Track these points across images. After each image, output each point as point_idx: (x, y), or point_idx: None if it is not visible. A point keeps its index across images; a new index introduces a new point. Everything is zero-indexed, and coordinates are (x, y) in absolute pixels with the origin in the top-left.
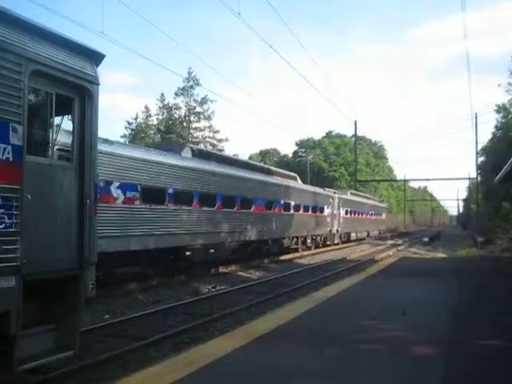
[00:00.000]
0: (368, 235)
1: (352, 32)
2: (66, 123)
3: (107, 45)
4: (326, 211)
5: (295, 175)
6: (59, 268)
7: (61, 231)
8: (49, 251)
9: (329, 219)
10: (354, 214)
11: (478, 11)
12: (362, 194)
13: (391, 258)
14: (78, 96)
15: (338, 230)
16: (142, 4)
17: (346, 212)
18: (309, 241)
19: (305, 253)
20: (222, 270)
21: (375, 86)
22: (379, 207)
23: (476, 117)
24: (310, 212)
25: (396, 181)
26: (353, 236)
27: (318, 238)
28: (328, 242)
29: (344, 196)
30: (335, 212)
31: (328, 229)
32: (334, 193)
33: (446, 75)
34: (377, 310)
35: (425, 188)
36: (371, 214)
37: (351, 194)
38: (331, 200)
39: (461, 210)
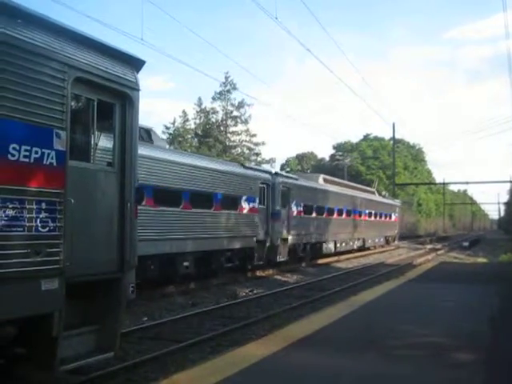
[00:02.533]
0: (364, 244)
1: (390, 34)
2: (107, 128)
3: (146, 50)
4: (246, 206)
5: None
6: (101, 271)
7: (102, 234)
8: (91, 254)
9: (257, 219)
10: (328, 214)
11: None
12: (351, 183)
13: (430, 262)
14: (118, 102)
15: (284, 240)
16: (179, 9)
17: (307, 209)
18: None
19: (342, 257)
20: (258, 273)
21: (413, 89)
22: (385, 205)
23: None
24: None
25: (435, 184)
26: (328, 247)
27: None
28: (259, 262)
29: (297, 182)
30: (278, 208)
31: (253, 238)
32: (272, 174)
33: (486, 76)
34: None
35: (465, 191)
36: (369, 215)
37: (327, 180)
38: (261, 187)
39: (502, 213)
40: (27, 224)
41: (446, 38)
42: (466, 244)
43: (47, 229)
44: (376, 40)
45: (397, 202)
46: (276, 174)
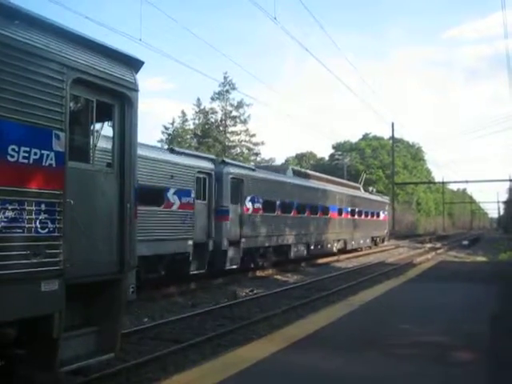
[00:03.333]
0: (345, 246)
1: (388, 34)
2: (106, 129)
3: (144, 51)
4: (176, 201)
5: None
6: (101, 272)
7: (102, 236)
8: (90, 255)
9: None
10: (298, 212)
11: None
12: (331, 177)
13: (430, 261)
14: (117, 102)
15: (235, 243)
16: (178, 10)
17: (269, 206)
18: None
19: (342, 256)
20: (259, 273)
21: (412, 88)
22: (371, 202)
23: None
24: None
25: (434, 183)
26: (297, 251)
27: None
28: (199, 271)
29: (254, 174)
30: (227, 205)
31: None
32: (218, 162)
33: (484, 75)
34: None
35: (464, 190)
36: (352, 213)
37: (297, 173)
38: (200, 177)
39: (501, 212)
40: (27, 225)
41: (444, 38)
42: (465, 243)
43: (47, 230)
44: (375, 40)
45: (385, 199)
46: (224, 162)
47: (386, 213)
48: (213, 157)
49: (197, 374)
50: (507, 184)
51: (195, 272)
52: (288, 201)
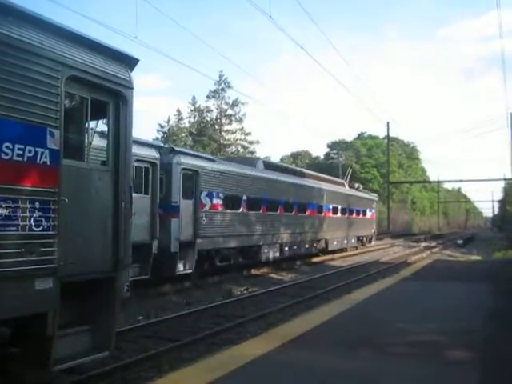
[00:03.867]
0: (326, 247)
1: (383, 31)
2: (101, 127)
3: (139, 48)
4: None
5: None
6: (95, 270)
7: (96, 234)
8: (85, 253)
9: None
10: (268, 209)
11: None
12: (310, 172)
13: (425, 260)
14: (112, 100)
15: (188, 243)
16: (173, 8)
17: (232, 202)
18: None
19: (336, 255)
20: (254, 272)
21: (407, 86)
22: (357, 199)
23: (511, 116)
24: None
25: (429, 182)
26: (268, 253)
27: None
28: (139, 276)
29: (212, 165)
30: (176, 200)
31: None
32: (167, 151)
33: (480, 74)
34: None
35: (459, 189)
36: (334, 211)
37: (269, 166)
38: (140, 167)
39: (496, 211)
40: (21, 223)
41: (439, 36)
42: (460, 242)
43: (41, 228)
44: (370, 38)
45: (373, 196)
46: (174, 151)
47: (373, 211)
48: (160, 144)
49: (191, 373)
50: (502, 183)
51: (134, 278)
52: (256, 197)
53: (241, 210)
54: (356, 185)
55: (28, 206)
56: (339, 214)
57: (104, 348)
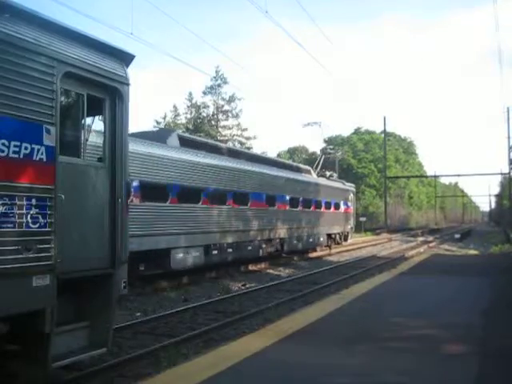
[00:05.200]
0: (282, 248)
1: (380, 28)
2: (97, 123)
3: (136, 44)
4: None
5: None
6: (92, 267)
7: (93, 230)
8: (82, 250)
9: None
10: (181, 199)
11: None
12: (257, 154)
13: (422, 254)
14: (108, 96)
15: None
16: (168, 3)
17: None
18: None
19: (333, 250)
20: (251, 267)
21: (404, 82)
22: (328, 190)
23: (508, 111)
24: None
25: (426, 177)
26: (185, 258)
27: None
28: None
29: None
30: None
31: None
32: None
33: (478, 68)
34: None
35: (456, 184)
36: (293, 203)
37: (186, 142)
38: None
39: (493, 205)
40: (17, 220)
41: (437, 30)
42: (457, 236)
43: (38, 225)
44: (367, 33)
45: (349, 187)
46: None
47: (349, 204)
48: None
49: (189, 369)
50: (499, 178)
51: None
52: (161, 183)
53: (132, 199)
54: (328, 173)
55: (24, 202)
56: (300, 207)
57: (102, 344)
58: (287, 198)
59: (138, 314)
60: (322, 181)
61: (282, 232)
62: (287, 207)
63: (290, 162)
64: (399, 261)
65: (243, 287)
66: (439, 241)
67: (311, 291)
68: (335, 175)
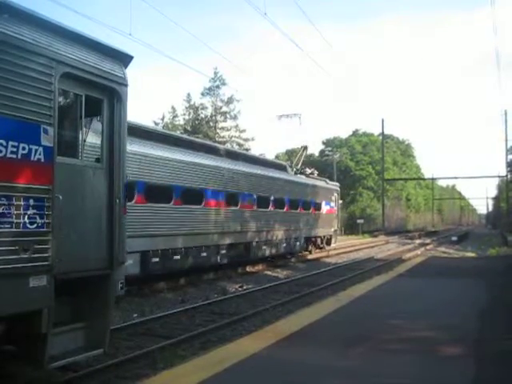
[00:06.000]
0: (247, 253)
1: (379, 29)
2: (95, 124)
3: (134, 45)
4: None
5: None
6: (90, 267)
7: (91, 231)
8: (80, 251)
9: None
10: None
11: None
12: (215, 144)
13: (419, 257)
14: (107, 97)
15: None
16: (167, 5)
17: None
18: None
19: (331, 252)
20: (249, 269)
21: (402, 84)
22: (307, 188)
23: (506, 114)
24: None
25: (424, 179)
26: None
27: None
28: None
29: None
30: None
31: None
32: None
33: (476, 71)
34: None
35: (453, 186)
36: (262, 203)
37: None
38: None
39: (490, 208)
40: (15, 220)
41: (436, 32)
42: (454, 238)
43: (35, 225)
44: (365, 34)
45: (332, 185)
46: None
47: (332, 204)
48: None
49: (186, 370)
50: (496, 180)
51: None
52: None
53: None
54: (308, 170)
55: (22, 203)
56: (271, 207)
57: (98, 345)
58: (254, 196)
59: (135, 314)
60: (300, 178)
61: (246, 235)
62: (254, 207)
63: (264, 157)
64: (396, 263)
65: (240, 289)
66: (436, 243)
67: (309, 293)
68: (316, 173)
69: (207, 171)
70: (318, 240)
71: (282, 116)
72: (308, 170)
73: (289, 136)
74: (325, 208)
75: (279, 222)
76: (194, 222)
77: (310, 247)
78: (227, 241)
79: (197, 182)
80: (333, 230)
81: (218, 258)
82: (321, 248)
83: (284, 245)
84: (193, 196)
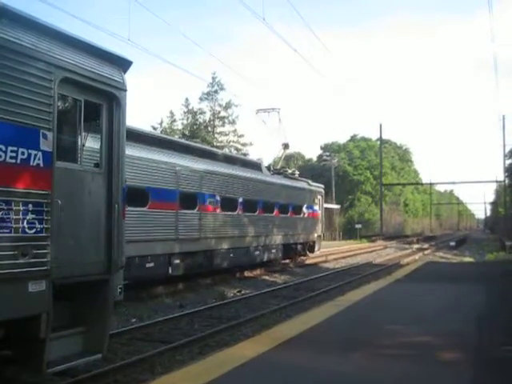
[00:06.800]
0: (210, 263)
1: (377, 34)
2: (94, 129)
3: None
4: None
5: None
6: (88, 272)
7: (90, 236)
8: (78, 255)
9: None
10: None
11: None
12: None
13: (417, 262)
14: (106, 102)
15: None
16: (166, 11)
17: None
18: None
19: (330, 257)
20: (247, 274)
21: (400, 89)
22: (285, 190)
23: (504, 119)
24: None
25: (422, 184)
26: None
27: None
28: None
29: None
30: None
31: None
32: None
33: (474, 76)
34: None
35: (451, 191)
36: (229, 205)
37: None
38: None
39: (488, 213)
40: (14, 225)
41: (433, 38)
42: (452, 243)
43: (34, 230)
44: (364, 39)
45: (315, 187)
46: None
47: (316, 207)
48: None
49: (185, 375)
50: (494, 185)
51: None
52: None
53: None
54: (289, 170)
55: (21, 208)
56: (239, 211)
57: (97, 350)
58: (217, 198)
59: (134, 319)
60: (277, 179)
61: (207, 243)
62: (217, 210)
63: (235, 154)
64: (395, 268)
65: (239, 293)
66: (434, 248)
67: (307, 298)
68: (297, 173)
69: (153, 167)
70: (299, 247)
71: (259, 110)
72: (288, 170)
73: (269, 133)
74: (306, 211)
75: (249, 227)
76: (137, 228)
77: (291, 254)
78: (181, 249)
79: (140, 179)
80: (316, 235)
81: (170, 269)
82: (302, 255)
83: (256, 253)
84: (135, 196)
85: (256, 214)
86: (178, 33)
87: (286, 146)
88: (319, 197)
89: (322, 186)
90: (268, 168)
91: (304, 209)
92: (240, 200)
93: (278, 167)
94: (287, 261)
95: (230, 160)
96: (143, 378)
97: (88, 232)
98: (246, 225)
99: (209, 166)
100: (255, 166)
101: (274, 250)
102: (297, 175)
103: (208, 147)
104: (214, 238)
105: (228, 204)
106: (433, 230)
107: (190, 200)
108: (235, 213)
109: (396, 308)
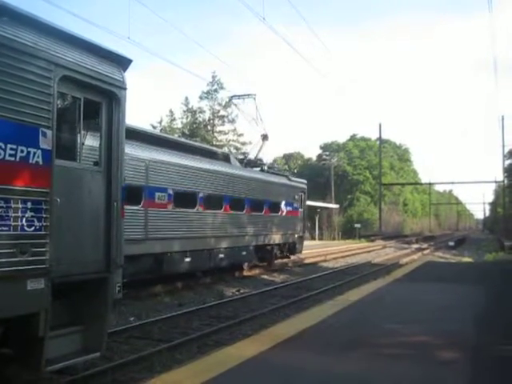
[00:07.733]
0: (159, 269)
1: (376, 34)
2: (93, 127)
3: (133, 48)
4: None
5: None
6: (87, 270)
7: (89, 234)
8: (77, 254)
9: None
10: None
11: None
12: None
13: (416, 262)
14: (105, 100)
15: None
16: (166, 10)
17: None
18: None
19: (329, 256)
20: (246, 273)
21: (400, 89)
22: (261, 185)
23: (503, 119)
24: None
25: (421, 184)
26: None
27: None
28: None
29: None
30: None
31: None
32: None
33: (473, 75)
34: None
35: (450, 191)
36: (189, 201)
37: None
38: None
39: (487, 213)
40: (13, 223)
41: (433, 38)
42: (451, 243)
43: (33, 228)
44: (363, 40)
45: (297, 183)
46: None
47: (296, 205)
48: None
49: (183, 374)
50: (493, 186)
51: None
52: None
53: None
54: (267, 162)
55: (20, 206)
56: (199, 207)
57: (95, 349)
58: (170, 192)
59: (132, 318)
60: (249, 172)
61: (156, 245)
62: (169, 206)
63: (197, 143)
64: (394, 267)
65: (238, 292)
66: (433, 248)
67: (306, 297)
68: (277, 166)
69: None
70: (276, 248)
71: (233, 97)
72: (265, 162)
73: (247, 122)
74: (285, 209)
75: (213, 227)
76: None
77: (269, 256)
78: (133, 251)
79: None
80: (296, 236)
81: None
82: (280, 257)
83: (221, 256)
84: None
85: (221, 211)
86: (177, 31)
87: (264, 137)
88: (301, 193)
89: (305, 181)
90: (241, 161)
91: (282, 206)
92: (200, 195)
93: (253, 158)
94: (263, 264)
95: (188, 149)
96: (142, 376)
97: (87, 230)
98: (207, 224)
99: (159, 154)
100: (223, 157)
101: (243, 253)
102: (277, 169)
103: (158, 132)
104: (164, 238)
105: (184, 200)
106: (432, 229)
107: (132, 194)
108: (194, 210)
109: (395, 307)
